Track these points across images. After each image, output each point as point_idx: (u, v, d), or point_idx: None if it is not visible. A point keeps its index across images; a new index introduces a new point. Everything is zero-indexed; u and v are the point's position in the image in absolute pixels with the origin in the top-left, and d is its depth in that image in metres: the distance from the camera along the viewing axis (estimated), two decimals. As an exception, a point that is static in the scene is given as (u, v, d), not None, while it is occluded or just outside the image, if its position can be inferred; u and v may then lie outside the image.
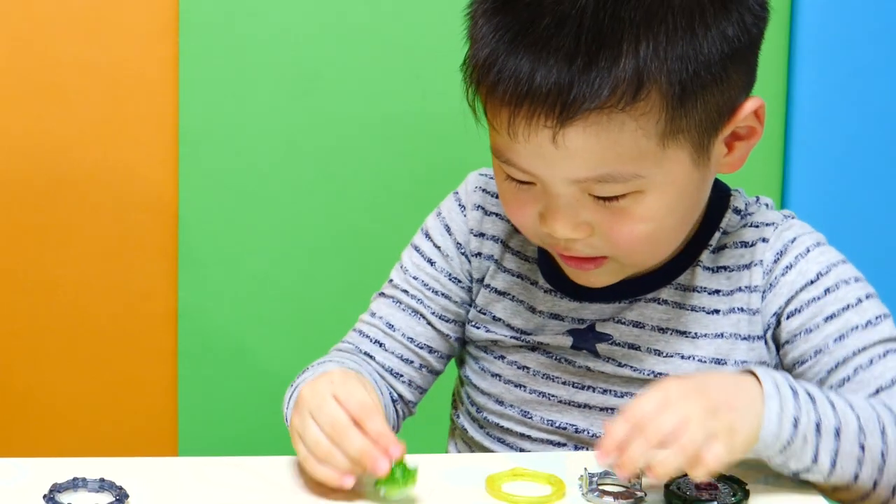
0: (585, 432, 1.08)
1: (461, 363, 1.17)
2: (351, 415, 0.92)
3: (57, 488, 0.89)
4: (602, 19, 0.93)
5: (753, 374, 0.93)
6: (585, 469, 0.93)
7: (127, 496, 0.89)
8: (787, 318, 1.05)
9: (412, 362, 1.14)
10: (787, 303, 1.05)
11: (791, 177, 1.74)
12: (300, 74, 1.70)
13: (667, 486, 0.91)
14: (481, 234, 1.13)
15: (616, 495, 0.91)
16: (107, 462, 0.95)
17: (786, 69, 1.73)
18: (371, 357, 1.13)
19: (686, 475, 0.92)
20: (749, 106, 1.01)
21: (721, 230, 1.07)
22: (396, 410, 1.15)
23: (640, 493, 0.91)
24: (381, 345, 1.13)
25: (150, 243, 1.73)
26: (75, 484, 0.90)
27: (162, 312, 1.74)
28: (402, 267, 1.16)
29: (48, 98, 1.68)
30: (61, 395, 1.75)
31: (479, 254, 1.13)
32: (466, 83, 1.01)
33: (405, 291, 1.14)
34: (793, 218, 1.10)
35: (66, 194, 1.71)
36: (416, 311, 1.13)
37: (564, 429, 1.09)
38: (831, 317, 1.04)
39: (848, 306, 1.04)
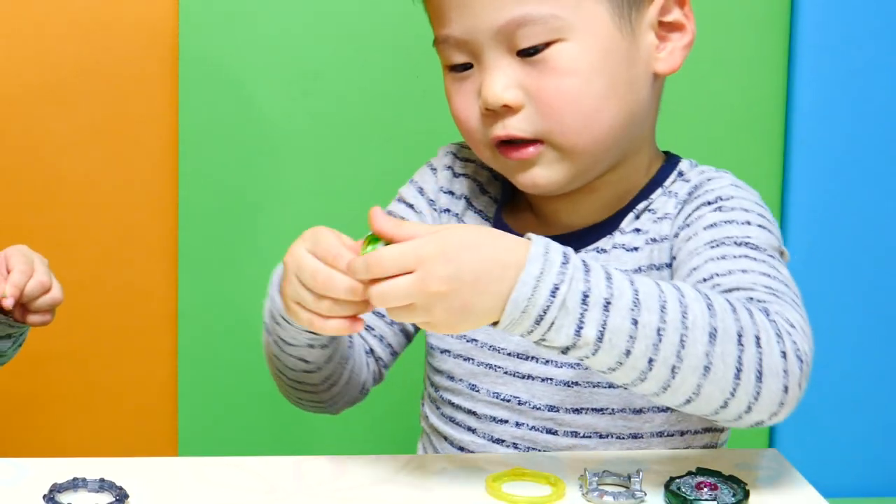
0: (527, 404, 1.09)
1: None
2: (327, 262, 0.93)
3: (57, 488, 0.89)
4: None
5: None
6: (585, 469, 0.93)
7: (127, 496, 0.89)
8: (678, 234, 1.05)
9: (383, 316, 1.17)
10: (684, 221, 1.05)
11: (791, 177, 1.74)
12: (300, 74, 1.70)
13: (667, 486, 0.91)
14: (450, 192, 1.17)
15: (616, 495, 0.91)
16: (107, 462, 0.95)
17: (786, 69, 1.73)
18: None
19: (687, 475, 0.92)
20: None
21: (663, 187, 1.09)
22: (367, 364, 1.17)
23: (639, 494, 0.91)
24: None
25: (150, 243, 1.74)
26: (75, 484, 0.89)
27: (162, 312, 1.75)
28: None
29: (48, 98, 1.68)
30: (61, 394, 1.75)
31: (448, 210, 1.17)
32: None
33: None
34: (731, 175, 1.10)
35: (67, 194, 1.72)
36: None
37: (508, 401, 1.09)
38: (712, 226, 1.02)
39: (732, 221, 1.02)
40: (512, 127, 1.05)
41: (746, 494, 0.91)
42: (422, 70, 1.75)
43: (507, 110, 1.04)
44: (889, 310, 1.77)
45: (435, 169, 1.20)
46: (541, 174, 1.07)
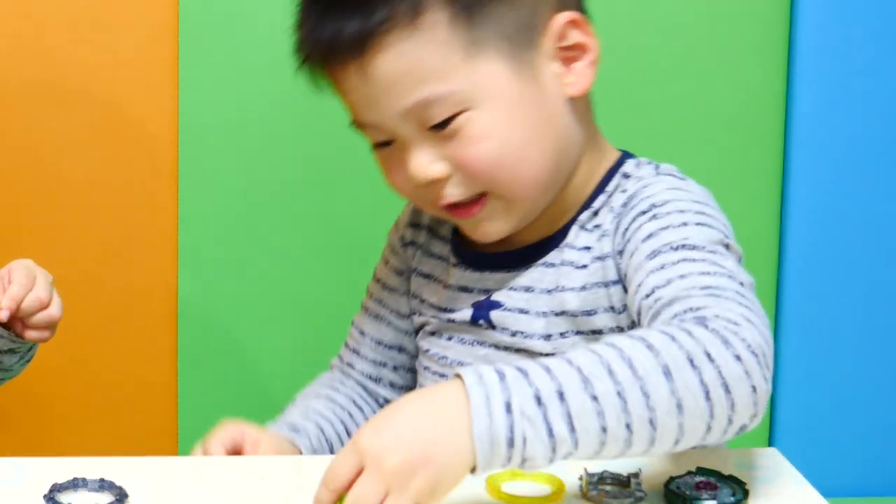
0: None
1: None
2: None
3: (57, 488, 0.89)
4: None
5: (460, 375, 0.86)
6: (585, 469, 0.93)
7: (127, 496, 0.89)
8: (622, 251, 1.04)
9: (385, 364, 1.21)
10: (623, 237, 1.04)
11: (791, 177, 1.74)
12: (300, 74, 1.70)
13: (666, 485, 0.91)
14: (416, 225, 1.21)
15: (616, 495, 0.91)
16: (107, 462, 0.95)
17: (786, 69, 1.73)
18: (352, 366, 1.23)
19: (687, 474, 0.92)
20: (560, 19, 1.05)
21: (606, 193, 1.09)
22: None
23: (639, 494, 0.91)
24: (357, 353, 1.22)
25: (151, 243, 1.74)
26: (75, 484, 0.90)
27: (162, 312, 1.75)
28: (373, 276, 1.24)
29: (48, 98, 1.68)
30: (61, 394, 1.75)
31: (413, 242, 1.20)
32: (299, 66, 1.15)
33: (370, 295, 1.23)
34: (673, 176, 1.09)
35: (67, 194, 1.72)
36: (377, 315, 1.22)
37: None
38: (649, 236, 1.01)
39: (668, 227, 1.00)
40: (449, 195, 1.06)
41: (746, 494, 0.91)
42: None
43: (438, 181, 1.06)
44: (889, 310, 1.77)
45: (409, 203, 1.23)
46: (491, 227, 1.08)
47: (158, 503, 0.90)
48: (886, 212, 1.75)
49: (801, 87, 1.73)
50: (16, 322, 1.20)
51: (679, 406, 0.84)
